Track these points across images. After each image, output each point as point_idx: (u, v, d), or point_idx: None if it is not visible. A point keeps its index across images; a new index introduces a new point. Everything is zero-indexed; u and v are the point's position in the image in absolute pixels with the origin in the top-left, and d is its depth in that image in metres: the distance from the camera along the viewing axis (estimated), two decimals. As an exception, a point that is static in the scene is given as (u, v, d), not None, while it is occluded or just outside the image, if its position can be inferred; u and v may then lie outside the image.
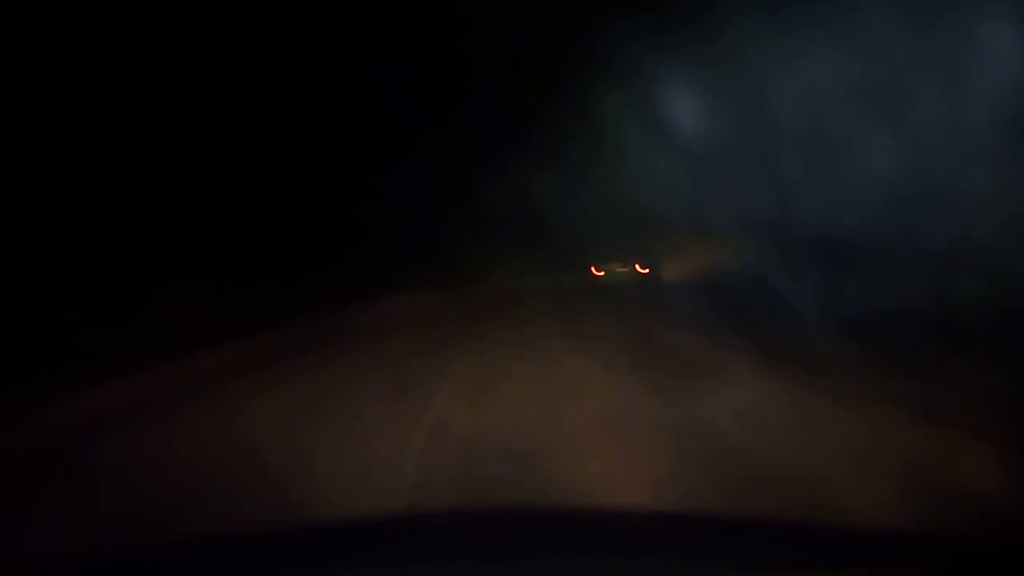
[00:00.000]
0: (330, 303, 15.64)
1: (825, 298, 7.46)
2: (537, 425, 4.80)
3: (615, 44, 13.98)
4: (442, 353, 8.38)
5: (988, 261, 6.60)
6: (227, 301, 13.34)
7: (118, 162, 12.74)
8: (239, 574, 1.60)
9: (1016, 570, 1.42)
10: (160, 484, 4.03)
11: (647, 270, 19.79)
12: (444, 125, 22.31)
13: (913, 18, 7.70)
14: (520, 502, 3.09)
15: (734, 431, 4.29)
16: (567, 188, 18.62)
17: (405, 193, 23.44)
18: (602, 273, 20.61)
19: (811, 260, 9.18)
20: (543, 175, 18.03)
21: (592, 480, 3.71)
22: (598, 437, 4.49)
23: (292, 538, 1.85)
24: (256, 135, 16.34)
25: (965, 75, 7.64)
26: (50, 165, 11.44)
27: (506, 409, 5.38)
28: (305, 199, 19.73)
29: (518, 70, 20.92)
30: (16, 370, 7.18)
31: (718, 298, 10.54)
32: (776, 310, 7.96)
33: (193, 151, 14.54)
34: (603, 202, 18.53)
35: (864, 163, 9.12)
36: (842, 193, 9.30)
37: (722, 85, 11.32)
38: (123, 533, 3.24)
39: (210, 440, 4.98)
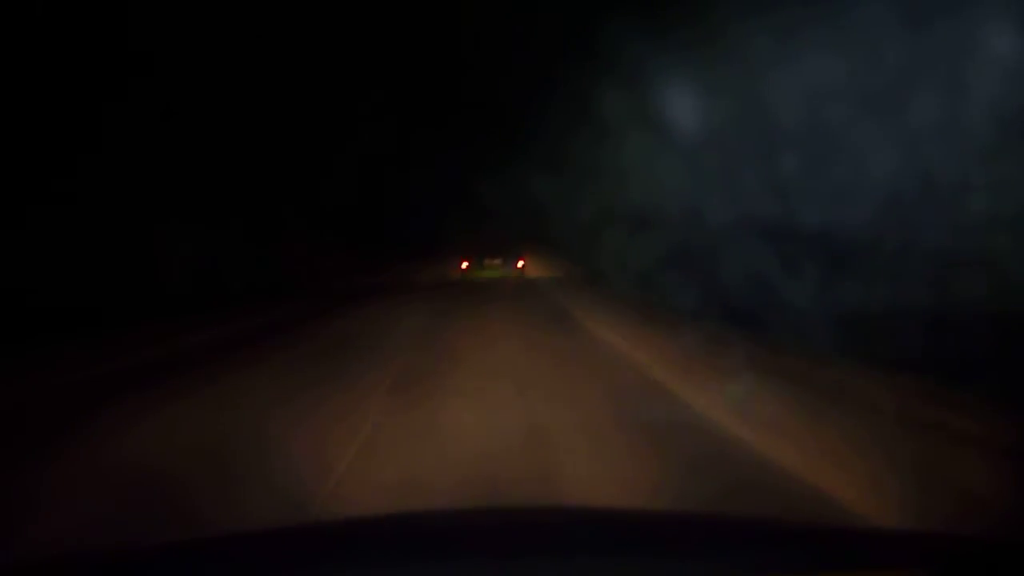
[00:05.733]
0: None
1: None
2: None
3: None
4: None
5: (985, 258, 6.68)
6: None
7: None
8: (239, 574, 1.59)
9: (1016, 570, 1.42)
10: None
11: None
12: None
13: (912, 17, 7.75)
14: (520, 502, 3.09)
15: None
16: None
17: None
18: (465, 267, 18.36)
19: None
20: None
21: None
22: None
23: (292, 538, 1.85)
24: (259, 139, 16.71)
25: (964, 73, 7.69)
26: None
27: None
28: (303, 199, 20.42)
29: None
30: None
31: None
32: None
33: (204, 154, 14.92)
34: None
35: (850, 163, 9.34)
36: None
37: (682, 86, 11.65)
38: None
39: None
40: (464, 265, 18.60)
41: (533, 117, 19.62)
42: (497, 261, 18.18)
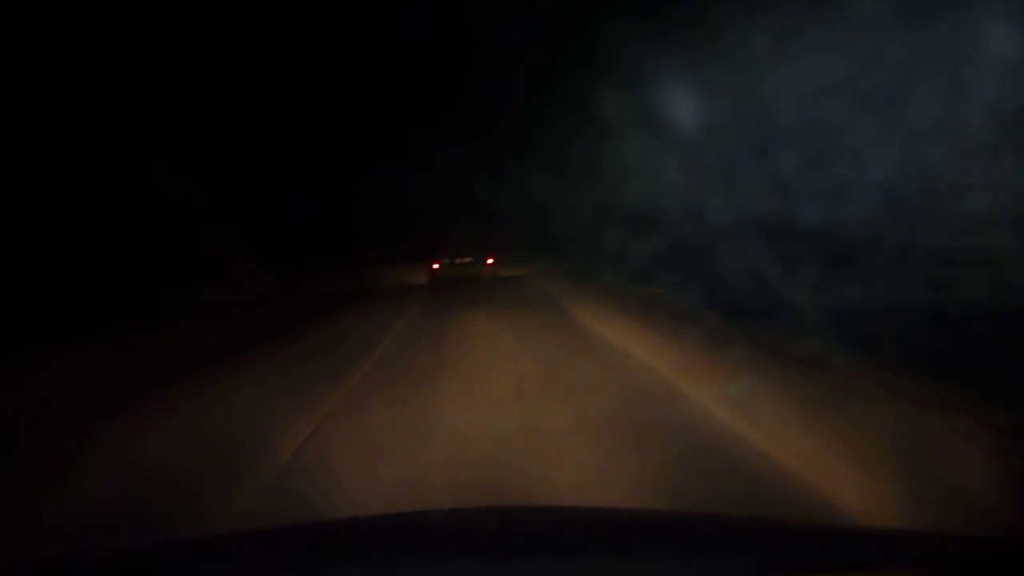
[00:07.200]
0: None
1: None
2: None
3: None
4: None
5: (985, 257, 6.68)
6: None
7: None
8: (239, 574, 1.59)
9: (1016, 570, 1.42)
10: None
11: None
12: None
13: (912, 16, 7.76)
14: (520, 502, 3.09)
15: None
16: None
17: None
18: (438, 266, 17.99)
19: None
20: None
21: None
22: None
23: (292, 538, 1.85)
24: (264, 142, 16.73)
25: (964, 72, 7.69)
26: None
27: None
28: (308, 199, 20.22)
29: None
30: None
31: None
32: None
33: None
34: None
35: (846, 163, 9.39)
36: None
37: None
38: None
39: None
40: (435, 265, 18.25)
41: (530, 116, 19.55)
42: (468, 259, 17.98)
